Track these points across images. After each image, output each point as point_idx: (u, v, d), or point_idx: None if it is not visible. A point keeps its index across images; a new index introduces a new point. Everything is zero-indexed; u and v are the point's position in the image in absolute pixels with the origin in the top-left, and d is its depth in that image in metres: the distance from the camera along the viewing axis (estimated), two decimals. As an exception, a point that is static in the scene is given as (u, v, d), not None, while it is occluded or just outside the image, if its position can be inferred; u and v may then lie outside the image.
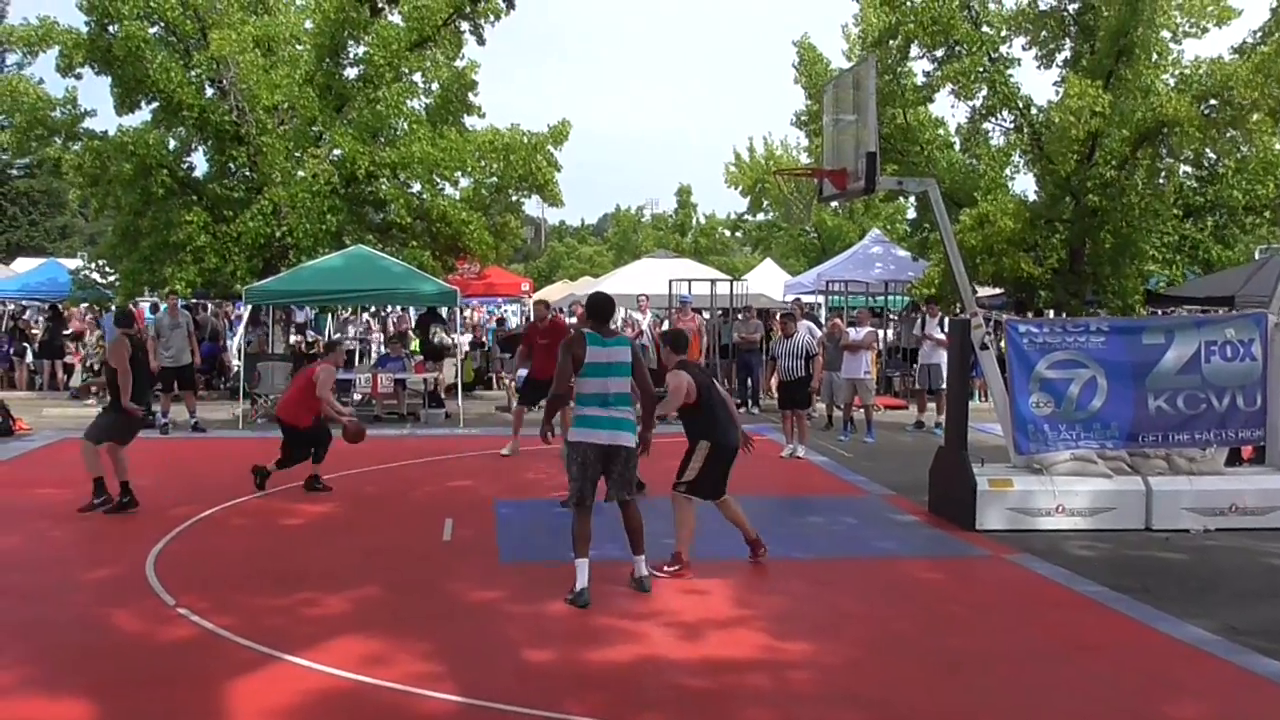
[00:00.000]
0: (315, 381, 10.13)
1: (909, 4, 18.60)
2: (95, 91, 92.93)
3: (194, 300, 21.31)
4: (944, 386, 15.49)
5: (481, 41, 19.84)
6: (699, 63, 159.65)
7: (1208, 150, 18.34)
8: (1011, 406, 9.15)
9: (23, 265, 30.93)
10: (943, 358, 15.57)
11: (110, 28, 18.06)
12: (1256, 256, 18.75)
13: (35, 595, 6.92)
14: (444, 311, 18.77)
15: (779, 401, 13.90)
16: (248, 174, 19.27)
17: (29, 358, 21.01)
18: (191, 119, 18.44)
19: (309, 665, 5.61)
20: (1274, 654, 5.86)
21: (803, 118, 23.88)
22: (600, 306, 7.07)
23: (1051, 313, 18.35)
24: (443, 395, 17.65)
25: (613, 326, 7.26)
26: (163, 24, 18.63)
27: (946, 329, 15.80)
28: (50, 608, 6.66)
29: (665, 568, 7.39)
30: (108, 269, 20.64)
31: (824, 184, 10.23)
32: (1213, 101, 16.80)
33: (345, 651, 5.80)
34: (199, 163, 20.00)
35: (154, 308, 21.04)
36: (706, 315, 20.54)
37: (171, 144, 19.15)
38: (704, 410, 7.54)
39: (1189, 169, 19.77)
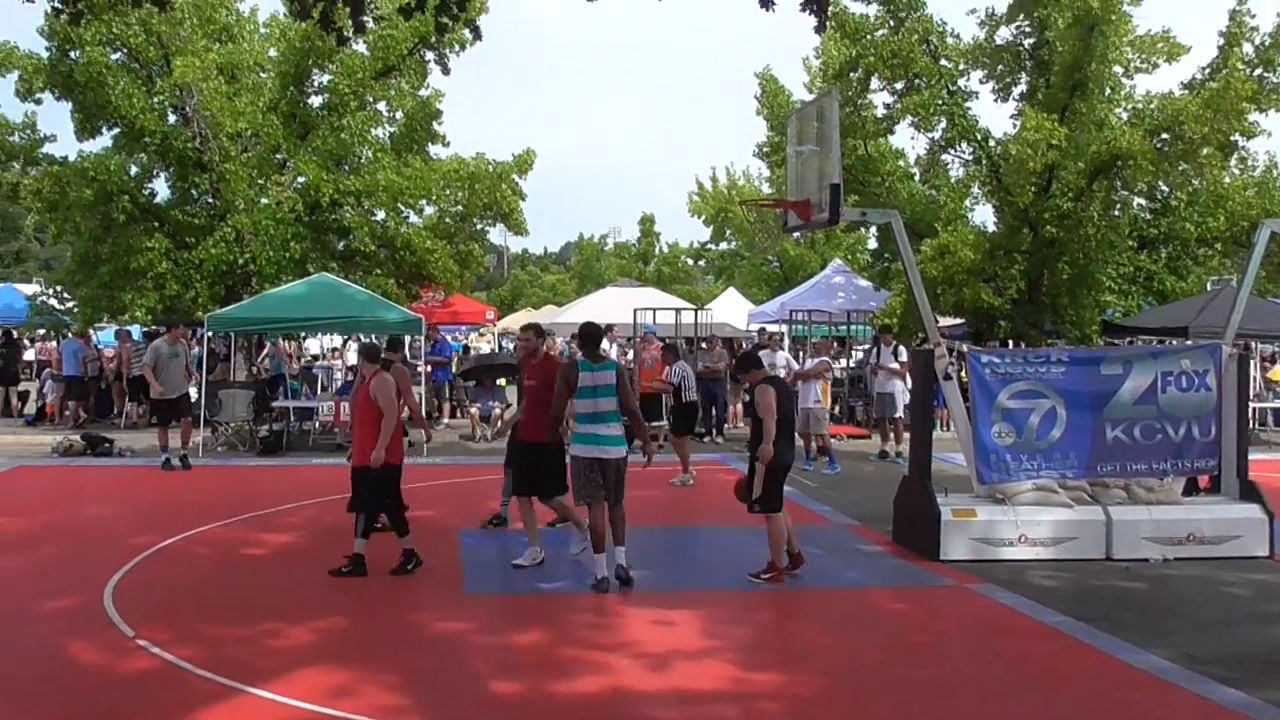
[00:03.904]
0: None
1: (869, 38, 18.90)
2: (55, 116, 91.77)
3: (154, 327, 21.02)
4: (898, 415, 15.74)
5: (446, 71, 19.81)
6: (663, 93, 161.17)
7: (1160, 183, 18.73)
8: (974, 436, 9.23)
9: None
10: (896, 387, 15.82)
11: (72, 53, 17.93)
12: (1209, 288, 19.12)
13: (-11, 629, 6.78)
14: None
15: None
16: (210, 201, 19.10)
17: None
18: (154, 145, 18.30)
19: (272, 697, 5.53)
20: (1232, 682, 5.94)
21: (765, 149, 24.11)
22: (589, 335, 7.93)
23: (1011, 343, 18.58)
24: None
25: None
26: (125, 50, 18.53)
27: (899, 358, 16.10)
28: (5, 639, 6.53)
29: (761, 575, 8.11)
30: (65, 295, 20.40)
31: (788, 215, 10.30)
32: (1164, 136, 17.18)
33: (309, 683, 5.73)
34: (161, 189, 19.88)
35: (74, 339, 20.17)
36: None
37: (133, 170, 19.00)
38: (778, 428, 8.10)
39: (1143, 201, 20.14)
